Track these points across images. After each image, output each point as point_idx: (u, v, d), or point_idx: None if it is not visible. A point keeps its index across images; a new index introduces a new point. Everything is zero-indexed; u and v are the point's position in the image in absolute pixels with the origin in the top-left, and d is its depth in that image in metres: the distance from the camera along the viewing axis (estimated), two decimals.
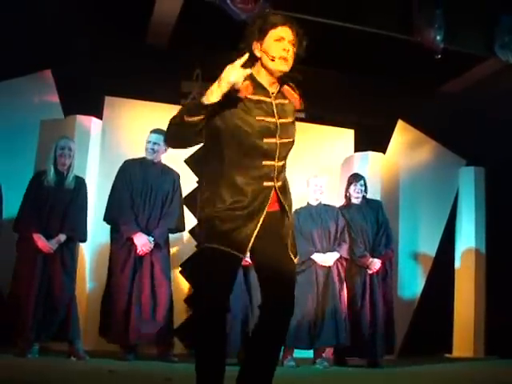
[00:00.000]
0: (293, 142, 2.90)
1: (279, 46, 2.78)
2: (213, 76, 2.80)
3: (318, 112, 7.03)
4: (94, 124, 6.59)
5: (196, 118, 2.68)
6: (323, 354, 5.92)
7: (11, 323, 5.18)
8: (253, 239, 2.77)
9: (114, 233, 5.58)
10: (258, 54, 2.82)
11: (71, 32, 6.24)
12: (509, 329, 6.83)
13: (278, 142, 2.80)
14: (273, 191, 2.83)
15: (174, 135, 2.84)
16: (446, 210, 8.07)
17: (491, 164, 7.92)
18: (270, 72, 2.83)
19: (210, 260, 2.80)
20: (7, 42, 6.00)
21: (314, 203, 6.08)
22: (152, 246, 5.45)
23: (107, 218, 5.61)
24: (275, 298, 2.83)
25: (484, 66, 7.09)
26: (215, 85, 2.64)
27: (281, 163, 2.85)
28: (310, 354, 6.02)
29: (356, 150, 7.75)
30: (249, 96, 2.78)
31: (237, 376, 2.86)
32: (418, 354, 6.82)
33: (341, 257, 5.91)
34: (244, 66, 2.70)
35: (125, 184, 5.56)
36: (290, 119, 2.89)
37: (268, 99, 2.84)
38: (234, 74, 2.63)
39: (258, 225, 2.78)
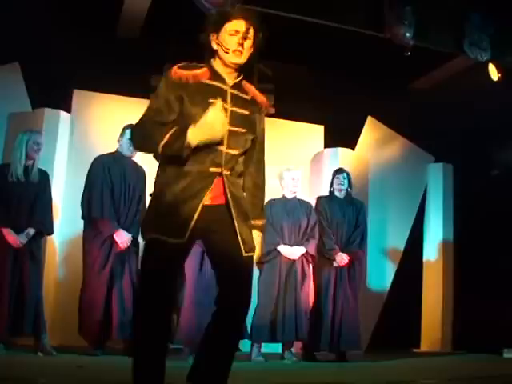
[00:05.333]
0: (247, 134, 2.86)
1: (233, 39, 2.83)
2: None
3: (287, 108, 7.02)
4: (62, 117, 6.53)
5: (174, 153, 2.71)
6: (292, 349, 5.94)
7: None
8: (193, 222, 2.71)
9: (90, 230, 5.43)
10: (214, 46, 2.87)
11: (39, 24, 6.15)
12: (476, 323, 6.90)
13: (227, 128, 2.77)
14: (218, 178, 2.78)
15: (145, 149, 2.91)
16: (415, 205, 8.17)
17: (459, 161, 8.01)
18: (225, 64, 2.87)
19: (149, 251, 2.79)
20: None
21: (290, 196, 6.07)
22: (130, 242, 5.41)
23: (88, 215, 5.40)
24: (228, 295, 2.77)
25: (454, 63, 7.16)
26: (197, 131, 2.65)
27: (231, 151, 2.81)
28: (277, 348, 6.05)
29: (326, 146, 7.77)
30: (205, 81, 2.84)
31: (188, 371, 2.80)
32: (386, 348, 6.88)
33: (307, 253, 5.90)
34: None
35: (105, 181, 5.41)
36: (245, 112, 2.88)
37: (224, 86, 2.87)
38: (219, 128, 2.68)
39: (198, 208, 2.72)
